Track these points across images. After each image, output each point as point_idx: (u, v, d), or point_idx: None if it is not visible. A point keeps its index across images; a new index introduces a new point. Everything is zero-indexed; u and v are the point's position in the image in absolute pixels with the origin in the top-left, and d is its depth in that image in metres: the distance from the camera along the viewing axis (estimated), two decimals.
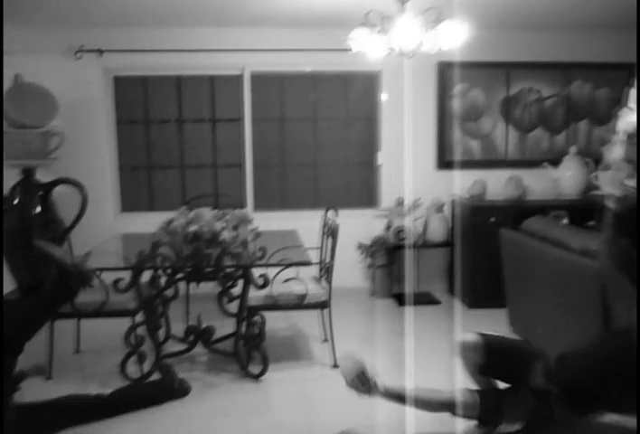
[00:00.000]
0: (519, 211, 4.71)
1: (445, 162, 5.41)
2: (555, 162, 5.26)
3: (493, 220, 4.81)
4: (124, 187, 5.40)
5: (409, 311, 4.89)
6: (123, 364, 3.45)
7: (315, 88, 5.45)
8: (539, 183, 5.36)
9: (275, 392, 3.34)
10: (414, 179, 5.36)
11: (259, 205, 5.44)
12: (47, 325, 3.57)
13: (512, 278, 4.10)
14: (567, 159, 5.22)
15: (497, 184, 5.27)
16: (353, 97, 5.49)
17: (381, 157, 5.45)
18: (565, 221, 4.81)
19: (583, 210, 4.86)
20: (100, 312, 3.48)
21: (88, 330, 4.08)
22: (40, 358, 3.67)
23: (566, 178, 5.17)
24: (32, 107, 4.65)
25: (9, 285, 4.90)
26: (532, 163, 5.38)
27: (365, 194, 5.60)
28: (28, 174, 4.76)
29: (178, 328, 3.92)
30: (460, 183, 5.31)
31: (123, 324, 3.53)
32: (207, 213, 3.42)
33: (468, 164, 5.40)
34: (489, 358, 2.78)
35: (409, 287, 5.38)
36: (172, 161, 5.43)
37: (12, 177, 4.79)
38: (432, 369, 3.64)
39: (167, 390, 3.23)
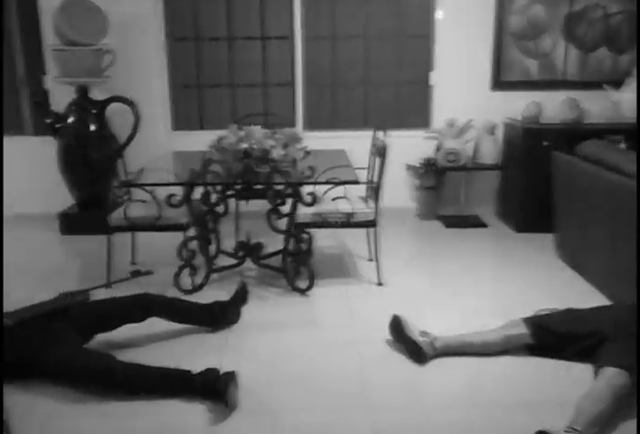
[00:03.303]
0: (574, 134, 4.57)
1: (500, 82, 5.23)
2: (616, 83, 5.03)
3: (546, 143, 4.69)
4: (175, 105, 5.43)
5: (456, 233, 4.91)
6: (176, 276, 3.60)
7: (368, 3, 5.27)
8: (597, 106, 5.15)
9: (321, 307, 3.45)
10: (467, 100, 5.24)
11: (309, 124, 5.42)
12: (105, 238, 3.74)
13: (562, 202, 4.04)
14: (629, 81, 4.98)
15: (553, 107, 5.09)
16: (407, 13, 5.29)
17: (434, 77, 5.31)
18: (622, 145, 4.66)
19: None
20: (154, 226, 3.61)
21: (143, 243, 4.25)
22: (100, 268, 3.86)
23: (626, 101, 4.95)
24: (84, 23, 4.65)
25: (68, 201, 5.10)
26: (592, 84, 5.16)
27: (416, 115, 5.50)
28: (83, 91, 4.84)
29: (228, 244, 4.04)
30: (514, 105, 5.15)
31: (176, 238, 3.66)
32: (257, 131, 3.44)
33: (524, 84, 5.22)
34: (540, 341, 2.81)
35: (456, 210, 5.38)
36: (222, 79, 5.42)
37: (67, 95, 4.89)
38: (477, 290, 3.69)
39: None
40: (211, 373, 2.48)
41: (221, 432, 2.27)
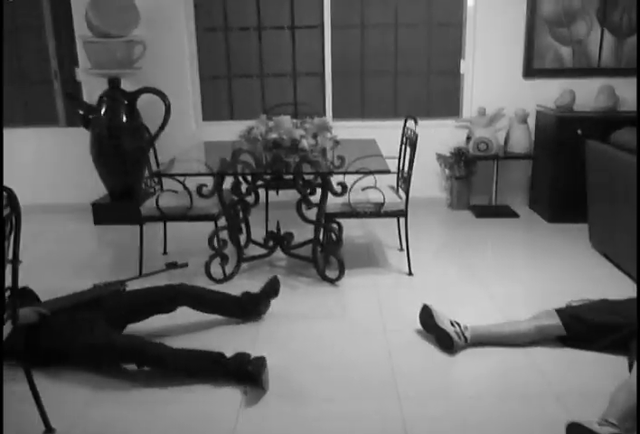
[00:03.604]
0: (609, 122, 4.47)
1: (532, 70, 5.14)
2: None
3: (580, 132, 4.61)
4: (205, 96, 5.45)
5: (487, 223, 4.87)
6: (207, 266, 3.63)
7: None
8: (633, 94, 5.04)
9: (351, 296, 3.46)
10: (498, 88, 5.16)
11: (339, 114, 5.40)
12: (137, 228, 3.79)
13: (595, 192, 3.98)
14: None
15: (587, 95, 5.00)
16: (438, 1, 5.23)
17: (465, 65, 5.25)
18: None
19: None
20: (185, 216, 3.64)
21: (174, 233, 4.30)
22: (132, 258, 3.92)
23: None
24: (115, 15, 4.69)
25: (101, 191, 5.18)
26: (628, 71, 5.04)
27: (446, 104, 5.44)
28: (114, 83, 4.89)
29: (258, 234, 4.06)
30: (547, 93, 5.07)
31: (206, 228, 3.70)
32: (287, 121, 3.44)
33: (557, 72, 5.12)
34: (573, 332, 2.78)
35: (488, 200, 5.33)
36: (251, 69, 5.42)
37: (99, 87, 4.95)
38: (508, 280, 3.66)
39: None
40: (243, 357, 2.56)
41: (252, 419, 2.29)
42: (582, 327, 2.75)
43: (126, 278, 3.19)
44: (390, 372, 2.61)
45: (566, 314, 2.79)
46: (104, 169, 5.01)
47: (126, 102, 4.89)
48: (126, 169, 4.83)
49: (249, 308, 3.11)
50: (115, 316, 2.84)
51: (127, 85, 4.96)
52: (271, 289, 3.18)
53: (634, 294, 3.15)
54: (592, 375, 2.56)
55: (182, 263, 3.09)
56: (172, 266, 3.03)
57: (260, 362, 2.50)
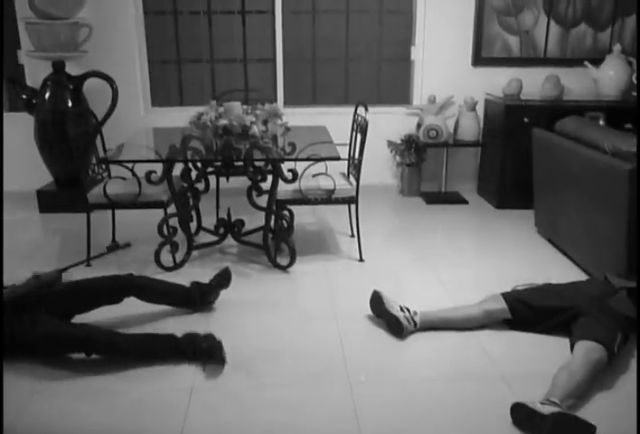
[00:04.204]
0: (554, 111, 4.58)
1: (481, 58, 5.22)
2: (597, 61, 5.04)
3: (526, 120, 4.70)
4: (154, 81, 5.35)
5: (437, 209, 4.94)
6: (157, 254, 3.58)
7: None
8: (578, 83, 5.18)
9: (302, 283, 3.47)
10: (448, 76, 5.22)
11: (290, 100, 5.38)
12: (84, 215, 3.71)
13: (541, 178, 4.07)
14: (609, 58, 4.99)
15: (534, 84, 5.10)
16: None
17: (415, 52, 5.28)
18: (601, 122, 4.69)
19: (621, 112, 4.72)
20: (134, 203, 3.58)
21: (122, 221, 4.22)
22: (79, 247, 3.84)
23: (607, 78, 4.97)
24: None
25: (46, 178, 5.04)
26: (573, 61, 5.17)
27: (397, 91, 5.48)
28: (59, 66, 4.75)
29: (209, 221, 4.03)
30: (495, 82, 5.15)
31: (156, 215, 3.64)
32: (237, 107, 3.41)
33: (505, 61, 5.21)
34: (518, 315, 2.85)
35: (438, 186, 5.40)
36: (201, 55, 5.34)
37: (42, 70, 4.80)
38: (457, 266, 3.73)
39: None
40: (194, 336, 2.63)
41: (204, 407, 2.28)
42: (527, 311, 2.82)
43: (69, 264, 3.12)
44: (340, 357, 2.64)
45: (511, 298, 2.86)
46: (49, 155, 4.87)
47: (71, 87, 4.75)
48: (71, 155, 4.68)
49: (198, 299, 3.07)
50: (59, 308, 2.76)
51: (72, 69, 4.82)
52: (222, 280, 3.15)
53: (576, 278, 3.25)
54: (536, 357, 2.64)
55: (124, 243, 2.97)
56: (114, 248, 2.94)
57: (211, 337, 2.58)
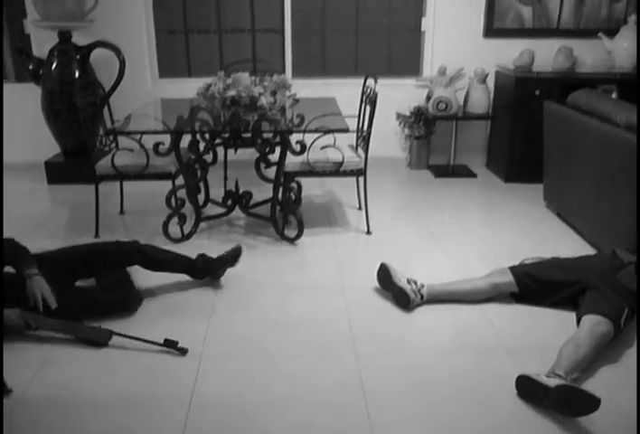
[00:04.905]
0: (566, 83, 4.52)
1: (493, 30, 5.13)
2: (611, 32, 4.95)
3: (538, 92, 4.64)
4: (161, 52, 5.30)
5: (445, 182, 4.92)
6: (165, 225, 3.59)
7: None
8: (591, 55, 5.10)
9: (309, 255, 3.48)
10: (459, 47, 5.14)
11: (298, 72, 5.32)
12: (92, 187, 3.71)
13: (552, 152, 4.04)
14: (624, 29, 4.90)
15: (546, 55, 5.02)
16: None
17: (426, 23, 5.20)
18: (614, 95, 4.62)
19: (635, 84, 4.64)
20: (142, 175, 3.57)
21: (131, 192, 4.23)
22: (87, 218, 3.85)
23: (621, 50, 4.89)
24: None
25: (54, 149, 5.04)
26: (587, 32, 5.07)
27: (407, 63, 5.41)
28: (65, 36, 4.70)
29: (217, 193, 4.03)
30: (507, 53, 5.08)
31: (164, 187, 3.64)
32: (245, 78, 3.37)
33: (517, 32, 5.12)
34: (525, 289, 2.84)
35: (446, 159, 5.37)
36: (210, 25, 5.27)
37: (49, 40, 4.75)
38: (465, 239, 3.72)
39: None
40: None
41: (212, 378, 2.31)
42: (534, 284, 2.82)
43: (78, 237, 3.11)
44: (347, 329, 2.65)
45: (519, 271, 2.86)
46: (56, 126, 4.86)
47: (78, 57, 4.71)
48: (79, 126, 4.67)
49: (202, 271, 3.06)
50: (59, 272, 2.75)
51: (78, 39, 4.78)
52: (230, 257, 3.14)
53: (584, 252, 3.24)
54: (542, 330, 2.65)
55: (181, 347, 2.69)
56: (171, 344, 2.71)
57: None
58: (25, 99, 5.05)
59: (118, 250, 2.91)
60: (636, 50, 4.76)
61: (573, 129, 3.67)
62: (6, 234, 2.90)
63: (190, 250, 3.20)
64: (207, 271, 3.07)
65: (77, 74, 4.71)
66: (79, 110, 4.67)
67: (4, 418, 2.06)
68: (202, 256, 3.08)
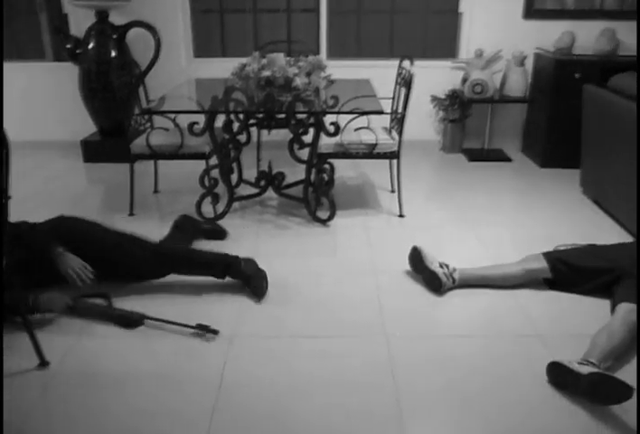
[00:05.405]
0: (608, 67, 4.41)
1: (533, 11, 5.02)
2: None
3: (578, 76, 4.54)
4: (196, 31, 5.31)
5: (479, 167, 4.86)
6: (198, 205, 3.63)
7: None
8: (634, 38, 4.95)
9: (341, 237, 3.48)
10: (497, 29, 5.05)
11: (334, 53, 5.28)
12: (127, 165, 3.76)
13: (590, 137, 3.95)
14: None
15: (588, 37, 4.90)
16: None
17: (464, 4, 5.11)
18: None
19: None
20: (176, 154, 3.60)
21: (165, 172, 4.27)
22: (122, 196, 3.90)
23: None
24: None
25: (90, 128, 5.10)
26: (631, 14, 4.93)
27: (443, 45, 5.33)
28: (102, 15, 4.73)
29: (250, 173, 4.05)
30: (547, 35, 4.97)
31: (197, 166, 3.67)
32: (280, 59, 3.36)
33: (558, 13, 5.00)
34: (559, 275, 2.80)
35: (481, 143, 5.30)
36: (245, 4, 5.26)
37: (86, 19, 4.79)
38: (498, 224, 3.68)
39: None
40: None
41: (241, 359, 2.34)
42: (568, 271, 2.78)
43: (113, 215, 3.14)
44: (378, 311, 2.66)
45: (553, 257, 2.83)
46: (93, 105, 4.91)
47: (114, 36, 4.75)
48: (115, 105, 4.73)
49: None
50: None
51: (115, 18, 4.81)
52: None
53: (621, 240, 3.18)
54: (575, 317, 2.61)
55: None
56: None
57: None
58: (63, 79, 5.12)
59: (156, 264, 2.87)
60: (636, 48, 4.62)
61: (614, 114, 3.58)
62: (43, 211, 2.96)
63: (223, 227, 3.22)
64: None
65: (113, 54, 4.75)
66: (115, 90, 4.73)
67: (39, 390, 2.12)
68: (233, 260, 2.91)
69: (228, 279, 2.84)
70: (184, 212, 3.53)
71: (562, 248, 3.00)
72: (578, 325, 2.54)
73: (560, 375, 2.12)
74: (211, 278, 2.85)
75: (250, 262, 2.86)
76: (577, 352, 2.23)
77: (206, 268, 2.84)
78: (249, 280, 2.80)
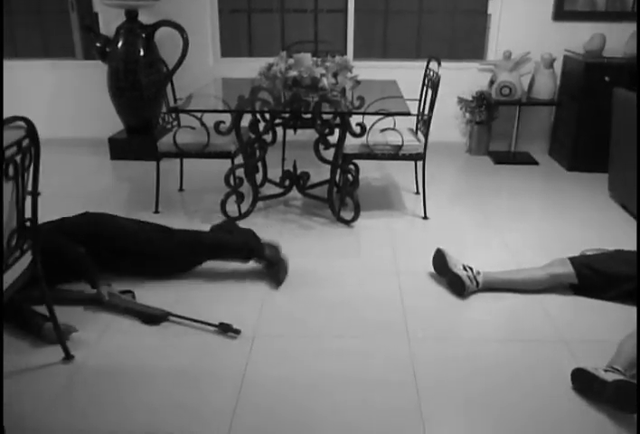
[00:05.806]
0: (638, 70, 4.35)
1: (563, 12, 4.95)
2: None
3: (607, 79, 4.48)
4: (224, 31, 5.33)
5: (506, 169, 4.82)
6: (223, 203, 3.64)
7: None
8: None
9: (365, 238, 3.47)
10: (526, 30, 5.00)
11: (360, 53, 5.27)
12: (153, 163, 3.79)
13: (619, 141, 3.90)
14: None
15: (619, 40, 4.83)
16: None
17: (493, 5, 5.07)
18: None
19: None
20: (202, 153, 3.62)
21: (190, 170, 4.30)
22: (148, 194, 3.94)
23: None
24: None
25: (117, 126, 5.16)
26: None
27: (471, 46, 5.29)
28: (131, 14, 4.78)
29: (275, 173, 4.06)
30: (577, 37, 4.91)
31: (223, 165, 3.69)
32: (307, 59, 3.37)
33: (589, 15, 4.93)
34: (584, 281, 2.77)
35: (507, 146, 5.25)
36: (272, 4, 5.27)
37: (116, 18, 4.84)
38: (523, 228, 3.65)
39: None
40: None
41: (263, 358, 2.35)
42: (594, 276, 2.75)
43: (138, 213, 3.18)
44: (401, 313, 2.65)
45: (579, 262, 2.79)
46: (120, 103, 4.96)
47: (143, 35, 4.79)
48: (143, 104, 4.77)
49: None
50: None
51: (144, 17, 4.86)
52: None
53: None
54: (601, 324, 2.58)
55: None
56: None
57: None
58: (93, 77, 5.18)
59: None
60: (636, 47, 4.53)
61: None
62: (69, 207, 3.00)
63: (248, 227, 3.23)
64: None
65: (142, 52, 4.79)
66: (142, 88, 4.77)
67: (63, 383, 2.15)
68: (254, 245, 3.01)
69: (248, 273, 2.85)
70: (209, 211, 3.55)
71: (589, 252, 2.96)
72: (604, 331, 2.51)
73: (584, 382, 2.10)
74: (233, 272, 2.86)
75: (274, 249, 2.96)
76: (602, 358, 2.20)
77: (233, 253, 2.95)
78: (270, 267, 2.93)
